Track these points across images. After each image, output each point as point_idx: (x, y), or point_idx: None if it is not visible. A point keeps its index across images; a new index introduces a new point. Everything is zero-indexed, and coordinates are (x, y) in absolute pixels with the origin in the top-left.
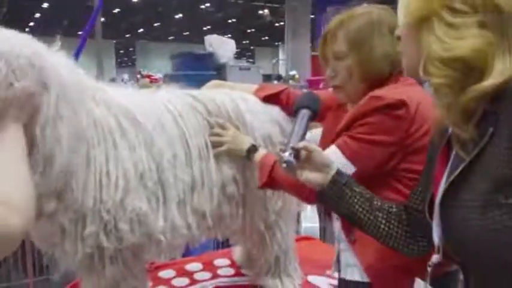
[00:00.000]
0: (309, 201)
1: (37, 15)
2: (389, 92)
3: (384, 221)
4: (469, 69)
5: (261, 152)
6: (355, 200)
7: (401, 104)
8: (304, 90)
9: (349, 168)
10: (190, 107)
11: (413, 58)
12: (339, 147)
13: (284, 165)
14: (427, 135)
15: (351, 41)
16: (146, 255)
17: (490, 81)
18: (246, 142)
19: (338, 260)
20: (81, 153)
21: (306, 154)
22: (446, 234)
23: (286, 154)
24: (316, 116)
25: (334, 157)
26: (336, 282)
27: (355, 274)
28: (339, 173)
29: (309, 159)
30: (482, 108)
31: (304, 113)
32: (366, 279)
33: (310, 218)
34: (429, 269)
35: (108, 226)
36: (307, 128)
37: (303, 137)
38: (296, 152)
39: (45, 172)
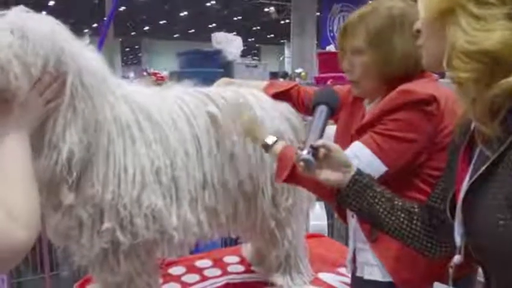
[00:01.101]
0: (332, 200)
1: (43, 12)
2: (419, 87)
3: (406, 221)
4: (496, 62)
5: (281, 143)
6: (376, 200)
7: (432, 99)
8: (315, 88)
9: (380, 168)
10: (201, 105)
11: (435, 52)
12: (367, 145)
13: (302, 163)
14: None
15: (370, 39)
16: (159, 252)
17: None
18: (263, 131)
19: (354, 259)
20: (101, 146)
21: (325, 153)
22: (469, 234)
23: (305, 152)
24: (335, 112)
25: (363, 157)
26: (346, 279)
27: (375, 273)
28: (359, 172)
29: (328, 157)
30: (509, 104)
31: (322, 110)
32: (387, 279)
33: (318, 215)
34: (451, 270)
35: (124, 221)
36: (325, 125)
37: (321, 135)
38: (315, 150)
39: (52, 158)
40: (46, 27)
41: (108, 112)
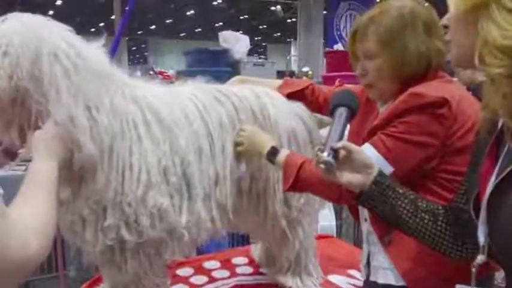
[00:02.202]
0: (340, 202)
1: (50, 12)
2: (430, 89)
3: (430, 223)
4: None
5: (284, 153)
6: (399, 202)
7: (444, 102)
8: (329, 87)
9: (385, 169)
10: (214, 101)
11: (465, 48)
12: (374, 145)
13: (322, 166)
14: (469, 133)
15: (382, 41)
16: (168, 251)
17: None
18: (265, 144)
19: (368, 264)
20: (103, 143)
21: (345, 154)
22: (493, 233)
23: (325, 154)
24: (355, 114)
25: (370, 156)
26: (356, 282)
27: (388, 277)
28: (381, 174)
29: (348, 159)
30: None
31: (342, 111)
32: (400, 283)
33: (326, 216)
34: (473, 269)
35: (129, 220)
36: (345, 127)
37: (341, 137)
38: (335, 152)
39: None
40: (29, 34)
41: (108, 109)
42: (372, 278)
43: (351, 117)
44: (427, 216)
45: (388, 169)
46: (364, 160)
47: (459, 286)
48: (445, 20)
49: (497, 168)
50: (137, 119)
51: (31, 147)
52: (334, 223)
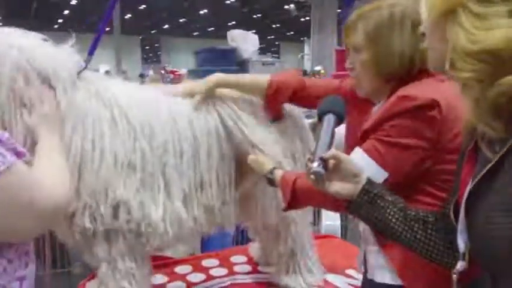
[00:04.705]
0: (340, 210)
1: (66, 12)
2: (420, 91)
3: (420, 231)
4: (500, 61)
5: (278, 174)
6: (388, 211)
7: (434, 104)
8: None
9: (381, 175)
10: (203, 107)
11: (440, 53)
12: (367, 152)
13: (312, 176)
14: (461, 134)
15: (368, 35)
16: (149, 243)
17: None
18: (264, 172)
19: (365, 261)
20: (60, 136)
21: (335, 163)
22: (472, 239)
23: (315, 165)
24: (343, 119)
25: (364, 163)
26: (354, 282)
27: (385, 277)
28: (369, 182)
29: (338, 168)
30: None
31: (330, 118)
32: (397, 282)
33: (331, 216)
34: (454, 276)
35: (91, 209)
36: (334, 135)
37: (330, 145)
38: (324, 162)
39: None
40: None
41: (66, 103)
42: (369, 276)
43: (338, 123)
44: (416, 225)
45: (383, 174)
46: (352, 169)
47: None
48: (421, 28)
49: (474, 173)
50: (102, 115)
51: (34, 132)
52: (338, 223)
